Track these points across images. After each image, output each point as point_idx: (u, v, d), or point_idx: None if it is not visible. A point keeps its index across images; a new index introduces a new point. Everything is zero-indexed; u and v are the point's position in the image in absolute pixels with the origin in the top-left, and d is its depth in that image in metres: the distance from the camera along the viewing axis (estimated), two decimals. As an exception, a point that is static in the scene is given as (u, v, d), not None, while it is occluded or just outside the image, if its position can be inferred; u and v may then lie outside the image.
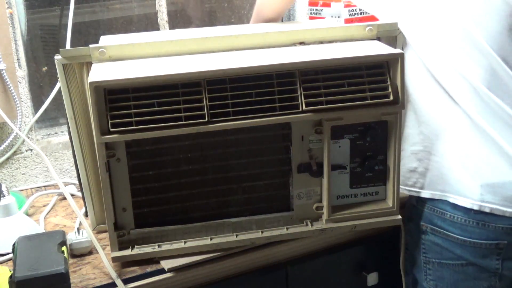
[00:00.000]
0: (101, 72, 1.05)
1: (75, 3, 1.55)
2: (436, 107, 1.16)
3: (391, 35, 1.21)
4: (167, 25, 1.77)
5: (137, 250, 1.14)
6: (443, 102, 1.15)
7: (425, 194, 1.21)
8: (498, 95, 1.12)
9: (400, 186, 1.21)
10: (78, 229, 1.25)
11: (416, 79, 1.17)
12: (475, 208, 1.14)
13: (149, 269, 1.13)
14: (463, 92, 1.13)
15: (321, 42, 1.20)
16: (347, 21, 1.67)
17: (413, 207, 1.25)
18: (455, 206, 1.16)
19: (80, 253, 1.20)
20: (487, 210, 1.13)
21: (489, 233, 1.14)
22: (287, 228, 1.19)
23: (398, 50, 1.12)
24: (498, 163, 1.13)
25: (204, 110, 1.05)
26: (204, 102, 1.05)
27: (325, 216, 1.19)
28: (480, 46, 1.10)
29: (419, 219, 1.23)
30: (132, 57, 1.13)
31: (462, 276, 1.20)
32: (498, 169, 1.13)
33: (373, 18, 1.72)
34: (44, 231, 1.32)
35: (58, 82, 1.15)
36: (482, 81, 1.11)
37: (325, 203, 1.18)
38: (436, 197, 1.19)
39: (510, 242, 1.15)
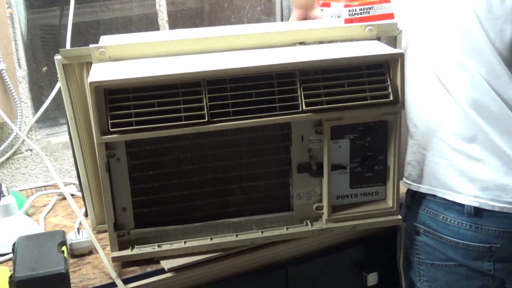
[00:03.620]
0: (101, 72, 1.05)
1: (75, 3, 1.55)
2: (431, 100, 1.17)
3: (391, 35, 1.21)
4: (167, 25, 1.77)
5: (137, 250, 1.14)
6: (439, 94, 1.15)
7: (414, 187, 1.22)
8: (496, 92, 1.12)
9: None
10: (78, 229, 1.25)
11: (415, 72, 1.18)
12: (463, 202, 1.14)
13: (149, 269, 1.13)
14: (459, 84, 1.13)
15: (321, 42, 1.20)
16: (347, 21, 1.67)
17: (408, 207, 1.25)
18: (447, 207, 1.16)
19: (80, 253, 1.20)
20: (476, 204, 1.13)
21: (482, 236, 1.14)
22: (287, 228, 1.19)
23: (398, 50, 1.12)
24: (491, 161, 1.13)
25: (204, 110, 1.05)
26: (204, 102, 1.05)
27: (325, 216, 1.19)
28: (480, 44, 1.11)
29: (412, 219, 1.24)
30: (132, 57, 1.13)
31: (455, 276, 1.20)
32: (490, 167, 1.13)
33: (373, 18, 1.72)
34: (44, 231, 1.32)
35: (58, 82, 1.15)
36: (481, 75, 1.11)
37: (325, 203, 1.18)
38: (423, 191, 1.20)
39: (503, 244, 1.15)
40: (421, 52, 1.17)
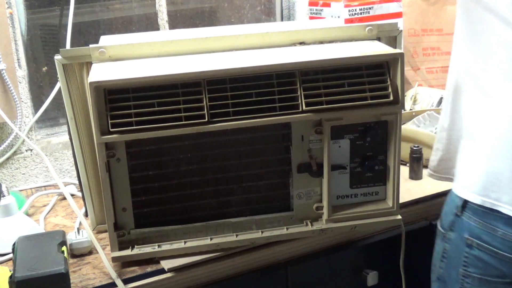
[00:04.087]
0: (101, 72, 1.05)
1: (75, 3, 1.55)
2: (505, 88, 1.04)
3: (391, 35, 1.21)
4: (167, 25, 1.77)
5: (137, 250, 1.14)
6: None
7: (478, 200, 1.09)
8: None
9: (453, 185, 1.14)
10: (78, 229, 1.25)
11: (496, 78, 1.06)
12: None
13: (149, 269, 1.13)
14: None
15: (321, 42, 1.20)
16: (347, 21, 1.67)
17: (456, 216, 1.14)
18: (508, 223, 1.07)
19: (80, 253, 1.20)
20: None
21: None
22: (287, 228, 1.19)
23: (398, 50, 1.12)
24: None
25: (204, 110, 1.05)
26: (204, 102, 1.05)
27: (325, 216, 1.19)
28: None
29: (464, 231, 1.13)
30: (132, 57, 1.13)
31: None
32: None
33: (373, 18, 1.72)
34: (44, 231, 1.32)
35: (58, 82, 1.15)
36: None
37: (325, 203, 1.18)
38: (487, 205, 1.09)
39: None
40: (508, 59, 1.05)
